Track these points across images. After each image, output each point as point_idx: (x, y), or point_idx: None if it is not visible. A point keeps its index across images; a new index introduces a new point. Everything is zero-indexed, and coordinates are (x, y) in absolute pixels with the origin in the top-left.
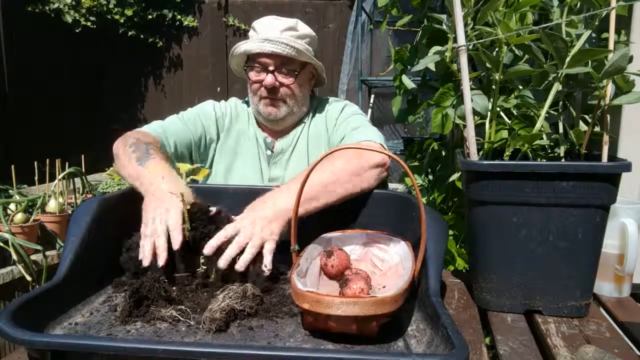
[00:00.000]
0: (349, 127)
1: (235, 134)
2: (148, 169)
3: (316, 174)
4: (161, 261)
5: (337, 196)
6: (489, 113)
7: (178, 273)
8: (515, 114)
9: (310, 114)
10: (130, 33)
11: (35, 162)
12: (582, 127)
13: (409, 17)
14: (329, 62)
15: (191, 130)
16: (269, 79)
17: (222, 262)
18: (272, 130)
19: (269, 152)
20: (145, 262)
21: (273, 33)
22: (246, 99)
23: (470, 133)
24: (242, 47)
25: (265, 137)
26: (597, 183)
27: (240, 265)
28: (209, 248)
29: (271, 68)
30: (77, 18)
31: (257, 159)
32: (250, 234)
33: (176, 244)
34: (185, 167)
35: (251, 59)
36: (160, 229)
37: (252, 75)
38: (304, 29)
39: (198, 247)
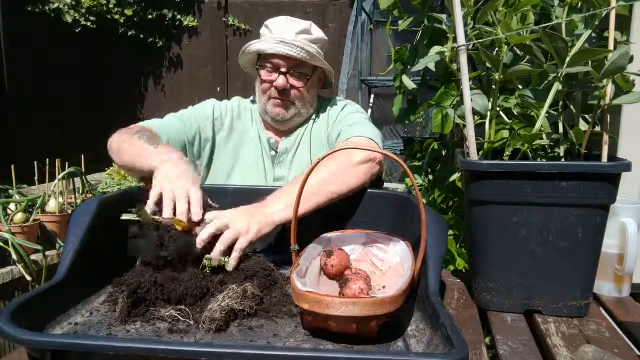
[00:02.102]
0: (346, 125)
1: (238, 135)
2: (160, 147)
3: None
4: (184, 217)
5: (324, 198)
6: (489, 113)
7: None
8: (516, 114)
9: (315, 114)
10: (130, 33)
11: (35, 162)
12: (582, 127)
13: (410, 18)
14: (329, 62)
15: (186, 129)
16: (280, 80)
17: (198, 243)
18: (276, 130)
19: (273, 153)
20: (167, 213)
21: (288, 35)
22: (251, 99)
23: (470, 133)
24: (256, 46)
25: (269, 137)
26: (597, 183)
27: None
28: (200, 242)
29: (283, 70)
30: (77, 18)
31: (261, 159)
32: (225, 225)
33: (196, 217)
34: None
35: (263, 59)
36: (182, 195)
37: (264, 74)
38: (318, 32)
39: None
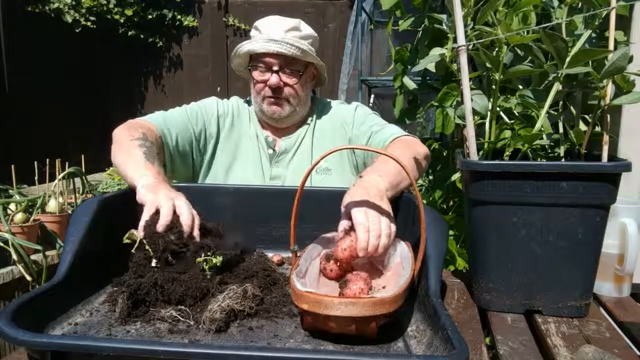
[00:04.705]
0: (375, 126)
1: (237, 134)
2: (155, 167)
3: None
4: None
5: (414, 178)
6: (489, 113)
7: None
8: (516, 114)
9: (315, 115)
10: (130, 33)
11: (35, 162)
12: (582, 127)
13: (411, 19)
14: (329, 62)
15: (192, 124)
16: (273, 78)
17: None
18: (274, 128)
19: (270, 151)
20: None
21: (277, 33)
22: (247, 99)
23: (470, 133)
24: (246, 46)
25: (266, 135)
26: (597, 183)
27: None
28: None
29: (275, 68)
30: (77, 18)
31: (258, 158)
32: (378, 228)
33: (187, 223)
34: None
35: (255, 59)
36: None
37: (256, 75)
38: (307, 29)
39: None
